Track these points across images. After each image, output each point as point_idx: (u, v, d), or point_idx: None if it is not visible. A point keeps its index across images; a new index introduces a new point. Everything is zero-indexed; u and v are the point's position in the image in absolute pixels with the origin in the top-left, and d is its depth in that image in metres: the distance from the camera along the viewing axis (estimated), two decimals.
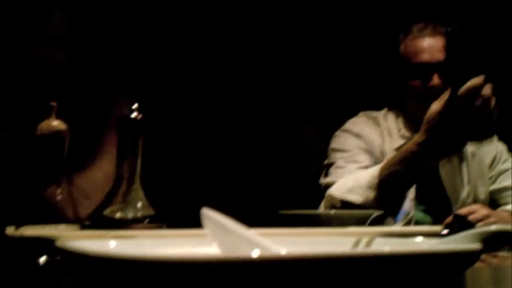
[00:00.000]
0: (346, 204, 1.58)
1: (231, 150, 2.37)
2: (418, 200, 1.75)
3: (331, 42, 2.47)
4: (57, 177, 0.88)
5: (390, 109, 1.95)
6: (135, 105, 0.91)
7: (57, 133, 0.89)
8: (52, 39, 1.40)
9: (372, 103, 2.02)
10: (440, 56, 1.83)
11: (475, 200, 1.85)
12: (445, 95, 1.39)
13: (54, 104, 0.89)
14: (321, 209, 1.73)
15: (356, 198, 1.57)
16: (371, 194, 1.56)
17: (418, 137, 1.46)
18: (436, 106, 1.41)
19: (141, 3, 2.26)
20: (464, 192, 1.86)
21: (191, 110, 2.34)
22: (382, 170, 1.58)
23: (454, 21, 1.75)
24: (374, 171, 1.60)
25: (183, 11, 2.36)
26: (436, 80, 1.80)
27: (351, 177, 1.69)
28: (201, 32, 2.37)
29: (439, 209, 1.77)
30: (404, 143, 1.69)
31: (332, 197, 1.65)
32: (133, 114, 0.90)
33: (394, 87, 1.92)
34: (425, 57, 1.83)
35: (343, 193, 1.63)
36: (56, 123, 0.89)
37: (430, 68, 1.82)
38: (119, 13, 2.15)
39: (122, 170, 0.91)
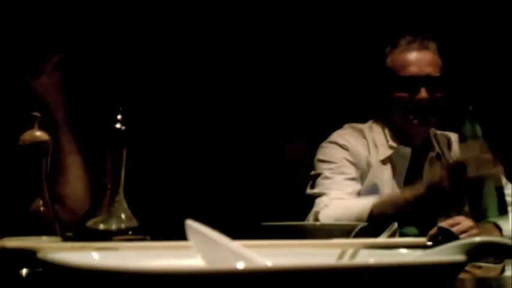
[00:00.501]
0: None
1: (215, 162, 2.37)
2: None
3: (318, 55, 2.48)
4: (39, 187, 0.87)
5: (375, 121, 1.96)
6: (119, 116, 0.90)
7: (40, 144, 0.88)
8: (53, 41, 1.40)
9: (357, 115, 2.03)
10: (428, 69, 1.84)
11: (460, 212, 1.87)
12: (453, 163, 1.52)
13: (37, 114, 0.89)
14: (309, 221, 1.74)
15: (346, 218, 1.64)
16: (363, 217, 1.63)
17: (418, 191, 1.60)
18: (442, 171, 1.55)
19: (140, 5, 2.26)
20: None
21: (174, 122, 2.33)
22: (374, 206, 1.66)
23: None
24: (365, 205, 1.67)
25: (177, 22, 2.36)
26: (423, 93, 1.82)
27: (341, 205, 1.73)
28: (192, 46, 2.37)
29: (425, 220, 1.78)
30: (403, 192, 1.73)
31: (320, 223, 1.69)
32: (118, 125, 0.90)
33: (379, 99, 1.94)
34: (413, 70, 1.85)
35: (337, 211, 1.68)
36: (38, 134, 0.88)
37: (418, 81, 1.83)
38: (118, 14, 2.15)
39: (105, 181, 0.90)
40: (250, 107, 2.42)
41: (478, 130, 1.52)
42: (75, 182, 1.38)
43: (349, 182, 1.83)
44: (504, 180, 1.71)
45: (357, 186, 1.83)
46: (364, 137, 1.91)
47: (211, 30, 2.39)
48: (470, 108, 1.36)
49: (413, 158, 1.89)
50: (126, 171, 0.91)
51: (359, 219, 1.60)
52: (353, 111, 2.13)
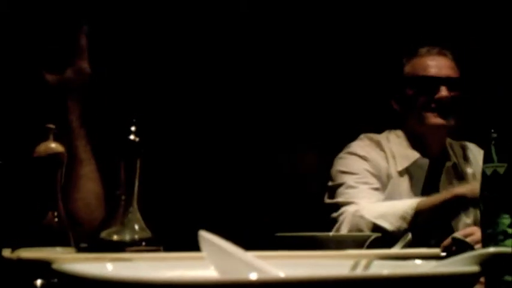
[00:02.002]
0: (374, 229, 1.63)
1: (229, 173, 2.37)
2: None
3: (331, 66, 2.48)
4: (54, 199, 0.88)
5: (392, 131, 1.96)
6: (133, 128, 0.91)
7: (55, 155, 0.88)
8: (78, 52, 1.40)
9: (372, 125, 2.03)
10: (447, 71, 1.88)
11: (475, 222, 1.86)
12: None
13: (51, 126, 0.89)
14: (340, 231, 1.73)
15: (387, 225, 1.67)
16: (403, 225, 1.64)
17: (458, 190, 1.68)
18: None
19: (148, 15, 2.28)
20: (465, 215, 1.87)
21: (188, 132, 2.34)
22: (420, 205, 1.68)
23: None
24: (411, 203, 1.69)
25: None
26: (444, 91, 1.84)
27: (383, 204, 1.74)
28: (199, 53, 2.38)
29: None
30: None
31: (362, 218, 1.68)
32: (131, 137, 0.90)
33: (397, 107, 1.94)
34: (434, 71, 1.88)
35: (375, 217, 1.68)
36: (53, 146, 0.89)
37: (438, 81, 1.86)
38: (124, 22, 2.16)
39: (119, 192, 0.91)
40: (264, 118, 2.42)
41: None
42: (87, 197, 1.37)
43: (375, 192, 1.83)
44: None
45: (381, 196, 1.83)
46: (382, 149, 1.91)
47: (222, 38, 2.40)
48: (493, 132, 1.34)
49: (430, 168, 1.89)
50: (139, 183, 0.91)
51: (404, 218, 1.64)
52: (367, 120, 2.13)
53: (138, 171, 0.90)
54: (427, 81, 1.87)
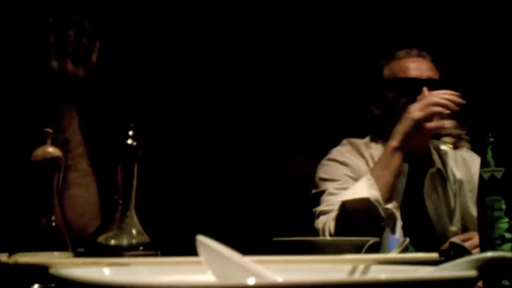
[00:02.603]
0: (347, 224, 1.62)
1: (226, 177, 2.37)
2: (404, 231, 1.73)
3: (320, 72, 2.48)
4: (51, 203, 0.88)
5: (373, 137, 1.94)
6: (130, 132, 0.91)
7: (52, 160, 0.88)
8: (76, 54, 1.41)
9: (359, 130, 2.02)
10: (428, 73, 1.85)
11: (466, 227, 1.85)
12: None
13: (49, 130, 0.89)
14: (321, 230, 1.73)
15: (364, 194, 1.65)
16: (375, 192, 1.64)
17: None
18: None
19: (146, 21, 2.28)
20: (451, 223, 1.86)
21: (185, 136, 2.34)
22: (372, 171, 1.71)
23: None
24: (365, 176, 1.71)
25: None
26: (426, 93, 1.80)
27: (345, 191, 1.72)
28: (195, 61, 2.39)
29: (425, 239, 1.76)
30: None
31: (341, 204, 1.67)
32: (129, 141, 0.90)
33: (377, 112, 1.92)
34: (415, 73, 1.86)
35: (350, 195, 1.66)
36: (51, 150, 0.89)
37: (420, 82, 1.83)
38: (122, 26, 2.16)
39: (116, 197, 0.90)
40: (259, 123, 2.43)
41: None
42: (75, 203, 1.37)
43: None
44: None
45: None
46: (362, 154, 1.90)
47: (220, 44, 2.40)
48: (490, 136, 1.33)
49: (411, 173, 1.87)
50: (137, 187, 0.91)
51: (370, 186, 1.65)
52: (367, 122, 2.12)
53: (135, 175, 0.90)
54: (408, 83, 1.85)
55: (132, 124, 0.92)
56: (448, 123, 1.67)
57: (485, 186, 1.21)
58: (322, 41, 2.49)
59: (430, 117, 1.68)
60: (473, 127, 1.66)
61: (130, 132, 0.91)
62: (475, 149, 1.90)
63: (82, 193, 1.40)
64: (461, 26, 2.48)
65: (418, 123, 1.68)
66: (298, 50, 2.48)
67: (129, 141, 0.90)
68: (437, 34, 2.44)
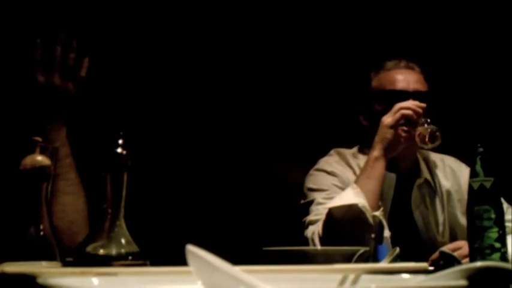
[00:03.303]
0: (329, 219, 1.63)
1: (216, 187, 2.36)
2: (392, 241, 1.72)
3: (313, 81, 2.49)
4: (39, 213, 0.87)
5: (361, 149, 1.94)
6: (120, 141, 0.90)
7: (41, 168, 0.88)
8: (64, 69, 1.41)
9: (349, 140, 2.02)
10: (416, 85, 1.85)
11: (455, 237, 1.85)
12: None
13: (38, 139, 0.89)
14: (312, 234, 1.73)
15: (352, 200, 1.65)
16: (362, 200, 1.65)
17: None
18: None
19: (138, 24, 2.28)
20: (439, 233, 1.86)
21: (176, 146, 2.33)
22: (356, 181, 1.74)
23: None
24: (351, 185, 1.73)
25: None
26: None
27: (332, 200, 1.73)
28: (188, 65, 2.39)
29: (413, 250, 1.75)
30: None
31: (328, 211, 1.67)
32: (118, 150, 0.90)
33: (365, 122, 1.93)
34: (402, 85, 1.86)
35: (338, 202, 1.66)
36: (39, 159, 0.88)
37: (406, 95, 1.83)
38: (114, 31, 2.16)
39: (105, 206, 0.90)
40: (249, 133, 2.43)
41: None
42: (63, 211, 1.36)
43: None
44: (505, 205, 1.69)
45: None
46: (349, 164, 1.90)
47: (212, 52, 2.41)
48: (479, 146, 1.33)
49: (399, 184, 1.86)
50: (126, 196, 0.90)
51: (356, 194, 1.66)
52: (350, 136, 2.12)
53: (124, 184, 0.90)
54: (394, 95, 1.83)
55: (121, 133, 0.91)
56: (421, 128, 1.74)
57: (475, 196, 1.21)
58: (314, 52, 2.50)
59: (400, 120, 1.74)
60: (462, 138, 1.66)
61: (120, 141, 0.91)
62: (463, 159, 1.91)
63: (71, 201, 1.40)
64: (450, 36, 2.50)
65: (392, 128, 1.74)
66: (290, 61, 2.49)
67: (119, 150, 0.90)
68: (427, 44, 2.46)
